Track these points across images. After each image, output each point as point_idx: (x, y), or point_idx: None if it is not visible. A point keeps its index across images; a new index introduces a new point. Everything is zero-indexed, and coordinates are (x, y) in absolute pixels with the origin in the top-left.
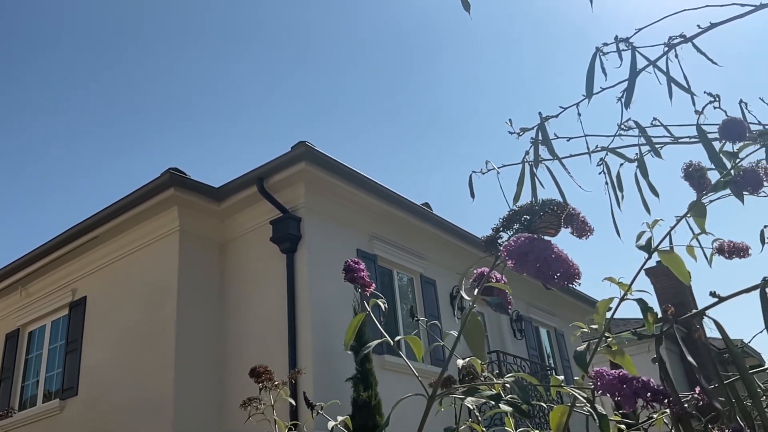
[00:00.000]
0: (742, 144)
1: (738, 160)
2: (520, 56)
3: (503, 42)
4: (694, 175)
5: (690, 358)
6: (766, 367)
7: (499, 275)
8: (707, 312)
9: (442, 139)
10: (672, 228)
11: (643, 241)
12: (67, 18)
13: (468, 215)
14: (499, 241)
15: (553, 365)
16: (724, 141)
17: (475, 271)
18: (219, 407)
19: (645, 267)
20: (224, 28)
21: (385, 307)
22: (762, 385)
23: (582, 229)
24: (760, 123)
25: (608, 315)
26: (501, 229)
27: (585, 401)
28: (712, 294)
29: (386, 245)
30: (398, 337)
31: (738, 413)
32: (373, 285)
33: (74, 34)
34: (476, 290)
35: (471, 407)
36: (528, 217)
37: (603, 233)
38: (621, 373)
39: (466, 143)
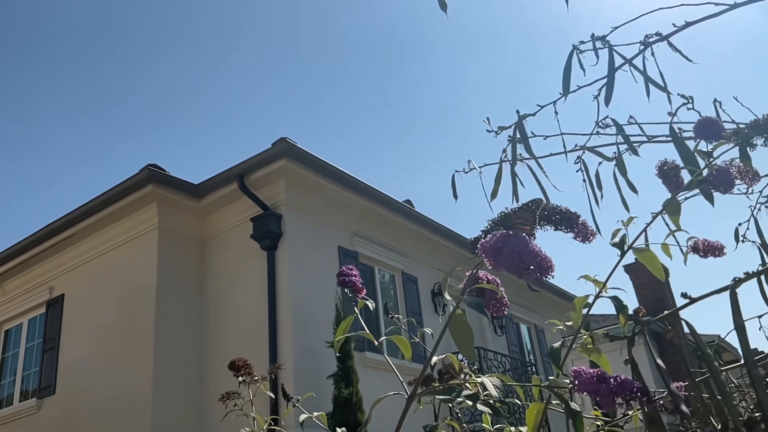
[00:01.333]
0: (716, 143)
1: (712, 159)
2: (504, 54)
3: (488, 40)
4: (668, 173)
5: (659, 361)
6: (740, 363)
7: (491, 276)
8: (681, 312)
9: (426, 137)
10: (647, 226)
11: (617, 239)
12: (48, 15)
13: (452, 213)
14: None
15: (533, 361)
16: (699, 140)
17: (466, 273)
18: (198, 405)
19: (624, 264)
20: (207, 26)
21: (373, 308)
22: (735, 381)
23: (585, 233)
24: (734, 122)
25: (584, 312)
26: (490, 231)
27: (558, 398)
28: (684, 295)
29: (368, 242)
30: (382, 338)
31: (711, 412)
32: (364, 290)
33: (56, 31)
34: (463, 291)
35: (451, 405)
36: (520, 221)
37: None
38: (599, 372)
39: (450, 142)
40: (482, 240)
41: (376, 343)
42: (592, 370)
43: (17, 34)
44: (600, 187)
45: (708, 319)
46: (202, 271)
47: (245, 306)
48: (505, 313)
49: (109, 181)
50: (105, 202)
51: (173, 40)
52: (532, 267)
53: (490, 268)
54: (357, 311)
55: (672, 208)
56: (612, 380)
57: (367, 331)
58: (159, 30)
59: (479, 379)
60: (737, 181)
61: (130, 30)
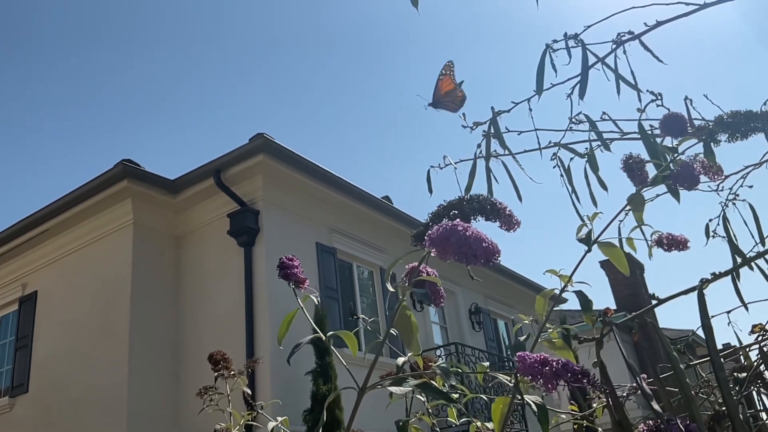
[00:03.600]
0: (681, 138)
1: (676, 155)
2: (481, 51)
3: (465, 37)
4: (633, 167)
5: (630, 361)
6: (703, 361)
7: (431, 269)
8: (656, 309)
9: (405, 133)
10: (611, 220)
11: (582, 234)
12: (25, 7)
13: (430, 209)
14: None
15: (511, 356)
16: (665, 136)
17: (406, 266)
18: (174, 402)
19: (600, 260)
20: (185, 20)
21: (318, 302)
22: (705, 376)
23: (510, 222)
24: (704, 119)
25: (549, 307)
26: (430, 223)
27: (514, 390)
28: (652, 296)
29: (346, 238)
30: (330, 333)
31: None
32: (307, 281)
33: (33, 23)
34: (406, 283)
35: (423, 399)
36: (456, 212)
37: (563, 226)
38: (542, 356)
39: (429, 138)
40: (429, 232)
41: (323, 337)
42: (535, 355)
43: None
44: (571, 183)
45: (684, 313)
46: (178, 267)
47: (222, 302)
48: (442, 303)
49: (83, 176)
50: (79, 198)
51: (150, 34)
52: (479, 253)
53: (436, 257)
54: (301, 304)
55: (636, 203)
56: (554, 363)
57: (313, 325)
58: (136, 24)
59: (430, 371)
60: (703, 177)
61: (107, 24)
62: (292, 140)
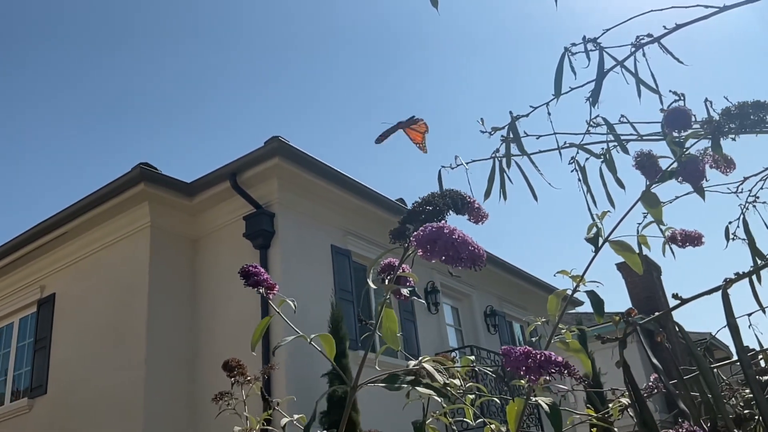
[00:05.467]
0: (688, 132)
1: (686, 149)
2: (498, 52)
3: (481, 38)
4: (645, 163)
5: (654, 361)
6: (731, 361)
7: (404, 265)
8: (672, 314)
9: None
10: (622, 218)
11: (590, 234)
12: (43, 15)
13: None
14: (407, 232)
15: None
16: (671, 131)
17: (382, 262)
18: (190, 404)
19: (616, 262)
20: (200, 23)
21: (295, 306)
22: (726, 379)
23: (477, 215)
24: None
25: (561, 308)
26: (407, 220)
27: (528, 392)
28: (675, 296)
29: (360, 241)
30: (312, 335)
31: (700, 410)
32: (277, 287)
33: (49, 31)
34: (385, 277)
35: (439, 400)
36: (431, 208)
37: (582, 228)
38: (526, 349)
39: (442, 139)
40: (416, 232)
41: (308, 340)
42: (520, 348)
43: (12, 32)
44: (586, 182)
45: (698, 316)
46: (194, 269)
47: (237, 304)
48: (409, 296)
49: (100, 180)
50: (96, 201)
51: (166, 39)
52: (464, 256)
53: (421, 257)
54: (277, 309)
55: (649, 200)
56: (538, 355)
57: (294, 329)
58: (151, 30)
59: (424, 364)
60: (716, 171)
61: (123, 30)
62: (305, 141)
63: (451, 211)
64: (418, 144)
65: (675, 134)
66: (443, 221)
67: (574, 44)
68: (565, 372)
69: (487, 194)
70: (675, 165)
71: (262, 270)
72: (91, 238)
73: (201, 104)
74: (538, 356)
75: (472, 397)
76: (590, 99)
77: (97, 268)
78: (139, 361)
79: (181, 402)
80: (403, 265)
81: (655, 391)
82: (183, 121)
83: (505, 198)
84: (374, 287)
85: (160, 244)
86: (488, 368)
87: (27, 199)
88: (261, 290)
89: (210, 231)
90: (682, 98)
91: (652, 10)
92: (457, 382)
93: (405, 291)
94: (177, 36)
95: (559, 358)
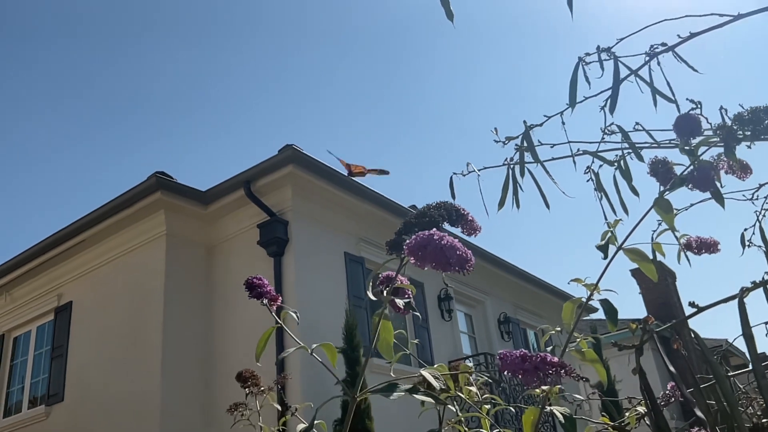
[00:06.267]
0: (700, 139)
1: (699, 155)
2: (509, 56)
3: (492, 42)
4: (659, 170)
5: (671, 368)
6: (748, 369)
7: (402, 277)
8: (688, 321)
9: (430, 140)
10: (635, 226)
11: (602, 242)
12: (56, 18)
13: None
14: (403, 243)
15: None
16: (680, 138)
17: (380, 275)
18: (206, 411)
19: (631, 269)
20: (211, 31)
21: (297, 319)
22: (742, 388)
23: (471, 227)
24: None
25: (576, 316)
26: (403, 232)
27: (543, 401)
28: (691, 304)
29: (374, 248)
30: (314, 345)
31: (716, 419)
32: (280, 298)
33: (61, 33)
34: (383, 289)
35: (455, 409)
36: (426, 220)
37: (597, 234)
38: (522, 352)
39: (454, 145)
40: (407, 241)
41: (310, 350)
42: (516, 351)
43: (24, 36)
44: (602, 189)
45: (714, 323)
46: (209, 277)
47: (252, 311)
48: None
49: (114, 185)
50: (113, 210)
51: (178, 46)
52: (452, 261)
53: (414, 265)
54: (280, 321)
55: (662, 206)
56: (533, 358)
57: (295, 340)
58: (160, 35)
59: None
60: (731, 176)
61: (135, 35)
62: (317, 147)
63: (445, 223)
64: (355, 170)
65: (688, 140)
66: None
67: (587, 54)
68: (562, 372)
69: (501, 203)
70: (688, 172)
71: (266, 282)
72: (107, 246)
73: (214, 112)
74: (534, 358)
75: (488, 407)
76: (606, 107)
77: (113, 276)
78: (155, 368)
79: (197, 408)
80: (401, 277)
81: (672, 399)
82: (196, 129)
83: (518, 206)
84: (374, 299)
85: (175, 252)
86: (486, 374)
87: (44, 207)
88: (264, 302)
89: (224, 239)
90: (698, 106)
91: (666, 19)
92: (473, 389)
93: (400, 302)
94: (189, 46)
95: (555, 359)
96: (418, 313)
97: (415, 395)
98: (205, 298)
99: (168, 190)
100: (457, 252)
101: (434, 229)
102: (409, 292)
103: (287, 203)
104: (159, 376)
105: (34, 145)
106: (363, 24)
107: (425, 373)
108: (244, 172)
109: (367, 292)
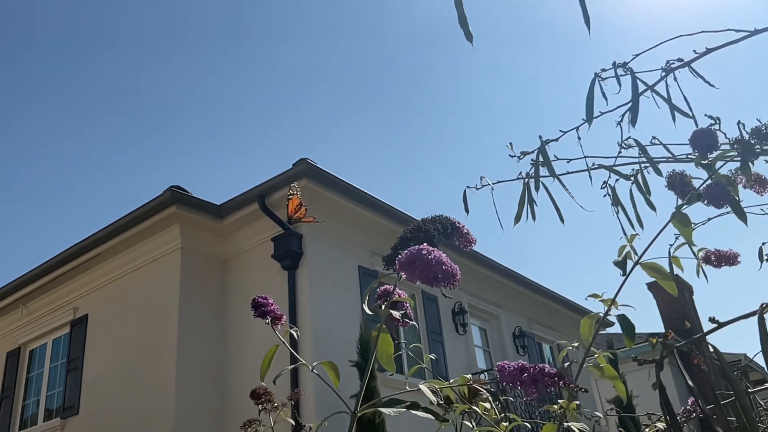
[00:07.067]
0: (716, 153)
1: (717, 169)
2: (527, 72)
3: (506, 55)
4: (676, 183)
5: (690, 383)
6: (762, 389)
7: (400, 291)
8: (707, 337)
9: (444, 153)
10: (652, 241)
11: (619, 258)
12: (70, 23)
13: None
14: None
15: None
16: (697, 153)
17: (378, 289)
18: (221, 424)
19: (647, 282)
20: (229, 49)
21: (298, 335)
22: (763, 404)
23: (466, 240)
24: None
25: (594, 331)
26: (399, 247)
27: (561, 417)
28: (711, 320)
29: None
30: (314, 363)
31: None
32: (284, 317)
33: (75, 43)
34: (380, 303)
35: (471, 425)
36: (422, 234)
37: (613, 248)
38: (520, 364)
39: (467, 157)
40: (398, 256)
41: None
42: (514, 363)
43: (44, 47)
44: (618, 203)
45: (734, 337)
46: (223, 290)
47: (266, 326)
48: (409, 322)
49: (130, 196)
50: (129, 224)
51: (192, 57)
52: (440, 275)
53: (406, 279)
54: (282, 339)
55: (681, 220)
56: (531, 369)
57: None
58: (176, 48)
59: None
60: (749, 190)
61: (151, 47)
62: (330, 160)
63: (442, 237)
64: (297, 216)
65: (705, 155)
66: (435, 246)
67: (603, 69)
68: (560, 383)
69: (518, 218)
70: (703, 187)
71: (270, 301)
72: (123, 259)
73: (229, 127)
74: (532, 369)
75: (506, 424)
76: (623, 121)
77: (128, 289)
78: (170, 381)
79: (211, 422)
80: (398, 290)
81: (693, 415)
82: (212, 142)
83: (534, 218)
84: (369, 312)
85: (190, 266)
86: (485, 384)
87: (60, 219)
88: (267, 321)
89: (239, 252)
90: (717, 122)
91: (681, 35)
92: (487, 405)
93: (397, 314)
94: (204, 58)
95: (553, 370)
96: (415, 323)
97: (413, 411)
98: (219, 311)
99: (183, 204)
100: (443, 267)
101: (425, 243)
102: (407, 305)
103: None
104: (173, 390)
105: (51, 156)
106: (380, 37)
107: (423, 387)
108: (259, 185)
109: (364, 306)
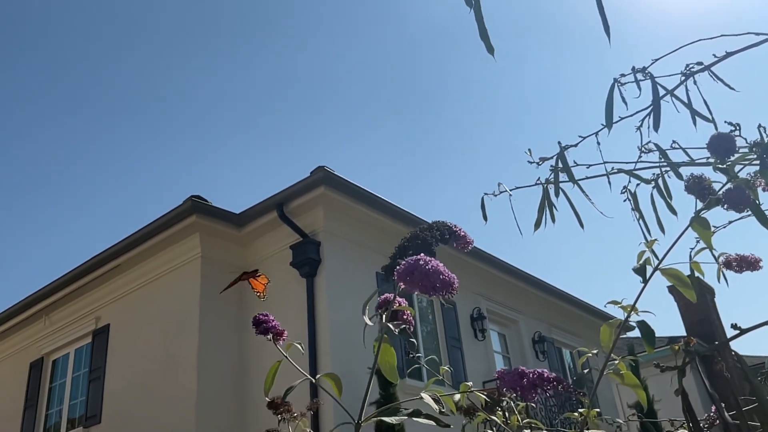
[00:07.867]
0: (735, 157)
1: (738, 171)
2: (545, 77)
3: (521, 61)
4: (695, 187)
5: (711, 390)
6: None
7: (401, 299)
8: (730, 343)
9: (461, 158)
10: (671, 246)
11: (638, 264)
12: (89, 29)
13: (486, 234)
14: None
15: (575, 389)
16: (714, 156)
17: (378, 298)
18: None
19: (668, 285)
20: (249, 56)
21: (303, 351)
22: None
23: (464, 242)
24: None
25: (615, 337)
26: (398, 255)
27: (582, 425)
28: (734, 326)
29: None
30: (318, 375)
31: None
32: (286, 333)
33: (93, 52)
34: (382, 313)
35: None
36: (419, 242)
37: (633, 252)
38: (520, 369)
39: (484, 163)
40: (397, 267)
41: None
42: (515, 369)
43: (59, 56)
44: (638, 209)
45: (756, 340)
46: (243, 299)
47: (286, 333)
48: (410, 329)
49: (150, 205)
50: (149, 234)
51: (211, 65)
52: (437, 285)
53: (404, 290)
54: (284, 353)
55: (701, 224)
56: (531, 374)
57: (300, 369)
58: (197, 55)
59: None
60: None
61: (171, 55)
62: (348, 167)
63: (440, 242)
64: (259, 293)
65: (723, 159)
66: (434, 253)
67: (623, 75)
68: (560, 388)
69: (537, 224)
70: (723, 191)
71: (271, 318)
72: (144, 269)
73: (249, 134)
74: (531, 375)
75: (527, 431)
76: (643, 126)
77: (149, 298)
78: (191, 391)
79: (232, 429)
80: (399, 299)
81: (717, 421)
82: (229, 147)
83: (554, 221)
84: (369, 323)
85: (210, 274)
86: (483, 391)
87: (81, 229)
88: (269, 337)
89: (258, 260)
90: (737, 128)
91: (701, 39)
92: (506, 414)
93: (394, 326)
94: (222, 65)
95: (552, 375)
96: (413, 340)
97: (416, 419)
98: (239, 319)
99: (203, 213)
100: (441, 276)
101: (422, 253)
102: (408, 314)
103: (319, 224)
104: (194, 399)
105: (71, 166)
106: (395, 43)
107: (425, 395)
108: (277, 194)
109: (364, 317)
